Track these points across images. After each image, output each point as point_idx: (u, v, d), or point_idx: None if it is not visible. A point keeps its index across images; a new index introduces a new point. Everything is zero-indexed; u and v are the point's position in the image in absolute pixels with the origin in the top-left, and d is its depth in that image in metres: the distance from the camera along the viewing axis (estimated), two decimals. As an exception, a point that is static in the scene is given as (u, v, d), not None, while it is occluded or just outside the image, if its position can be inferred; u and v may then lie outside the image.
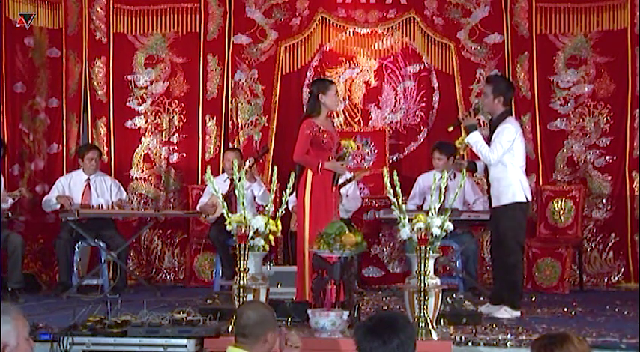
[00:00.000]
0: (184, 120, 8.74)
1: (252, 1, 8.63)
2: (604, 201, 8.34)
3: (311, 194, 5.86)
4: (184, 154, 8.75)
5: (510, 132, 6.07)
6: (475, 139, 6.09)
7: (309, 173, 5.87)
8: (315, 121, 5.91)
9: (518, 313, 6.01)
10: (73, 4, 8.65)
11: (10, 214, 7.32)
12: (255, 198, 7.79)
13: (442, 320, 5.30)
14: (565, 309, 6.40)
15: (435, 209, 5.01)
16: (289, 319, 5.31)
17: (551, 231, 8.21)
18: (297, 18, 8.63)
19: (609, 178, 8.33)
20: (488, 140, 6.17)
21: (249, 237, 5.09)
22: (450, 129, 6.62)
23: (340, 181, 7.17)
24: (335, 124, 7.88)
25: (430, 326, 4.89)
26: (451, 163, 7.20)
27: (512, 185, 6.08)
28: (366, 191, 8.47)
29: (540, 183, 8.38)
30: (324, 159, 5.88)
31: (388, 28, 8.62)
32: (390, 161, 8.48)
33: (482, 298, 6.61)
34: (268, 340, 3.78)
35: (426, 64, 8.61)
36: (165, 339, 4.80)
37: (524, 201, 6.13)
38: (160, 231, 8.68)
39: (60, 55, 8.61)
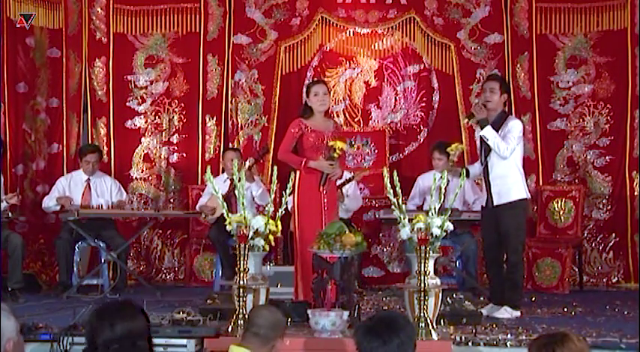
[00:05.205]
0: (184, 120, 8.75)
1: (252, 1, 8.63)
2: (604, 201, 8.34)
3: (298, 194, 5.91)
4: (184, 154, 8.75)
5: (519, 129, 6.16)
6: (493, 134, 6.07)
7: (298, 173, 5.90)
8: (306, 121, 5.97)
9: (518, 313, 6.01)
10: (73, 4, 8.65)
11: (10, 214, 7.32)
12: (254, 198, 7.78)
13: (442, 320, 5.30)
14: (565, 309, 6.41)
15: (435, 209, 5.01)
16: (289, 319, 5.30)
17: (551, 231, 8.21)
18: (297, 18, 8.63)
19: (609, 178, 8.34)
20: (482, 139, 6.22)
21: (249, 237, 5.09)
22: (466, 121, 6.61)
23: (339, 182, 7.18)
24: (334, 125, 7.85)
25: (430, 326, 4.88)
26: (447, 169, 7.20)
27: (517, 182, 6.13)
28: (366, 191, 8.47)
29: (540, 183, 8.39)
30: (310, 159, 5.90)
31: (388, 28, 8.62)
32: (390, 161, 8.48)
33: (482, 298, 6.60)
34: (276, 346, 3.79)
35: (426, 64, 8.61)
36: (165, 339, 4.80)
37: (528, 198, 6.22)
38: (160, 231, 8.69)
39: (60, 55, 8.61)
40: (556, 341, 2.98)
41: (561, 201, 8.19)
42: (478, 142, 6.35)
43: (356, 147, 8.55)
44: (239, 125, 8.68)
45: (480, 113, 6.17)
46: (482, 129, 6.12)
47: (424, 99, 8.63)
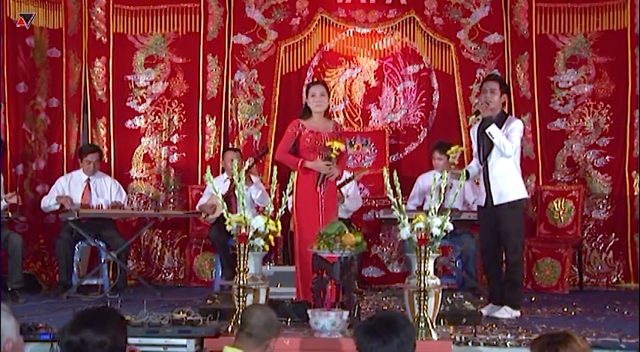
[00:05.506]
0: (184, 120, 8.75)
1: (252, 1, 8.63)
2: (604, 201, 8.34)
3: (296, 194, 5.93)
4: (184, 154, 8.75)
5: (521, 129, 6.19)
6: (498, 132, 6.07)
7: (296, 174, 5.91)
8: (304, 122, 5.98)
9: (518, 313, 6.01)
10: (73, 4, 8.65)
11: (10, 214, 7.32)
12: (253, 200, 7.77)
13: (442, 320, 5.30)
14: (565, 309, 6.40)
15: (434, 209, 5.01)
16: (289, 319, 5.30)
17: (551, 231, 8.21)
18: (297, 18, 8.64)
19: (609, 178, 8.34)
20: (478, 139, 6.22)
21: (249, 237, 5.09)
22: (472, 117, 6.59)
23: (339, 182, 7.18)
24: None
25: (430, 326, 4.88)
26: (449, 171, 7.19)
27: (517, 181, 6.15)
28: (366, 191, 8.47)
29: (540, 183, 8.38)
30: (308, 160, 5.90)
31: (388, 28, 8.62)
32: (390, 161, 8.48)
33: (482, 298, 6.60)
34: (270, 346, 3.78)
35: (426, 64, 8.61)
36: (165, 339, 4.79)
37: (527, 197, 6.26)
38: (160, 231, 8.69)
39: (60, 55, 8.61)
40: (559, 341, 2.97)
41: (561, 201, 8.19)
42: (475, 142, 6.34)
43: (356, 147, 8.55)
44: (239, 125, 8.68)
45: (486, 111, 6.18)
46: (485, 127, 6.12)
47: (424, 99, 8.63)
